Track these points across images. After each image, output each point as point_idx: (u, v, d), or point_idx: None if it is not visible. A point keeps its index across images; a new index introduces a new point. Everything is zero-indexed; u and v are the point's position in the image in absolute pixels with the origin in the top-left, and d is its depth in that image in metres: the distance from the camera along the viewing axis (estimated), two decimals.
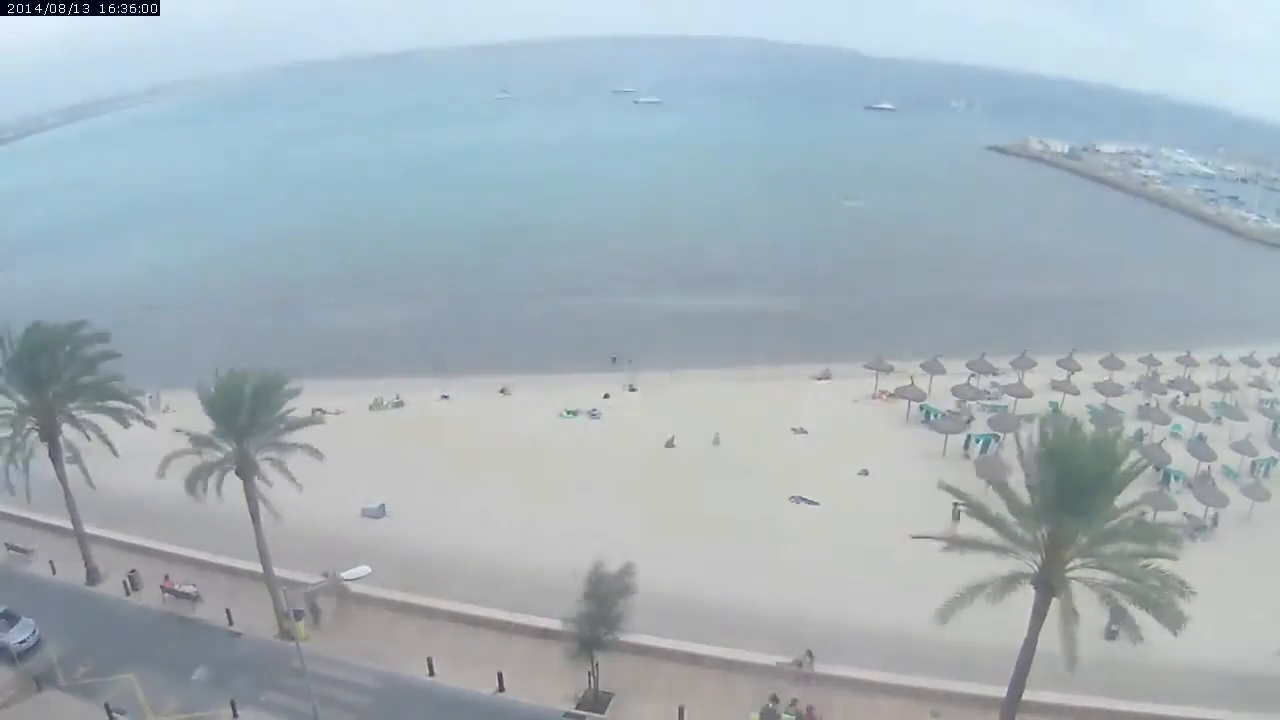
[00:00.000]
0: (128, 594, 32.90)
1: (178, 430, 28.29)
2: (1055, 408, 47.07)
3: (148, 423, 32.90)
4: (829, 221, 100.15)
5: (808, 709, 25.61)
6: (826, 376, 56.80)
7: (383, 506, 39.40)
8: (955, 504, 41.29)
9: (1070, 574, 21.07)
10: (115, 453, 31.35)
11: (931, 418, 49.39)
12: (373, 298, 72.96)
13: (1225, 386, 53.18)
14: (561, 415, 50.45)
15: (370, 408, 51.76)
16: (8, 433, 30.69)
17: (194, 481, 26.59)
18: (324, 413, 46.04)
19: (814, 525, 37.52)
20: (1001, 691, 23.51)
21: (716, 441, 46.12)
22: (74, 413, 32.01)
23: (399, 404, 52.50)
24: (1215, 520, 38.71)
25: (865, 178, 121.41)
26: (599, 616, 24.42)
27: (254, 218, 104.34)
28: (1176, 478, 42.78)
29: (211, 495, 26.85)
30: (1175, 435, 47.94)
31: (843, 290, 75.37)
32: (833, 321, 67.79)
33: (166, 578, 32.70)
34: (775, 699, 26.03)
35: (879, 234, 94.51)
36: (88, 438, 31.89)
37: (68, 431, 32.21)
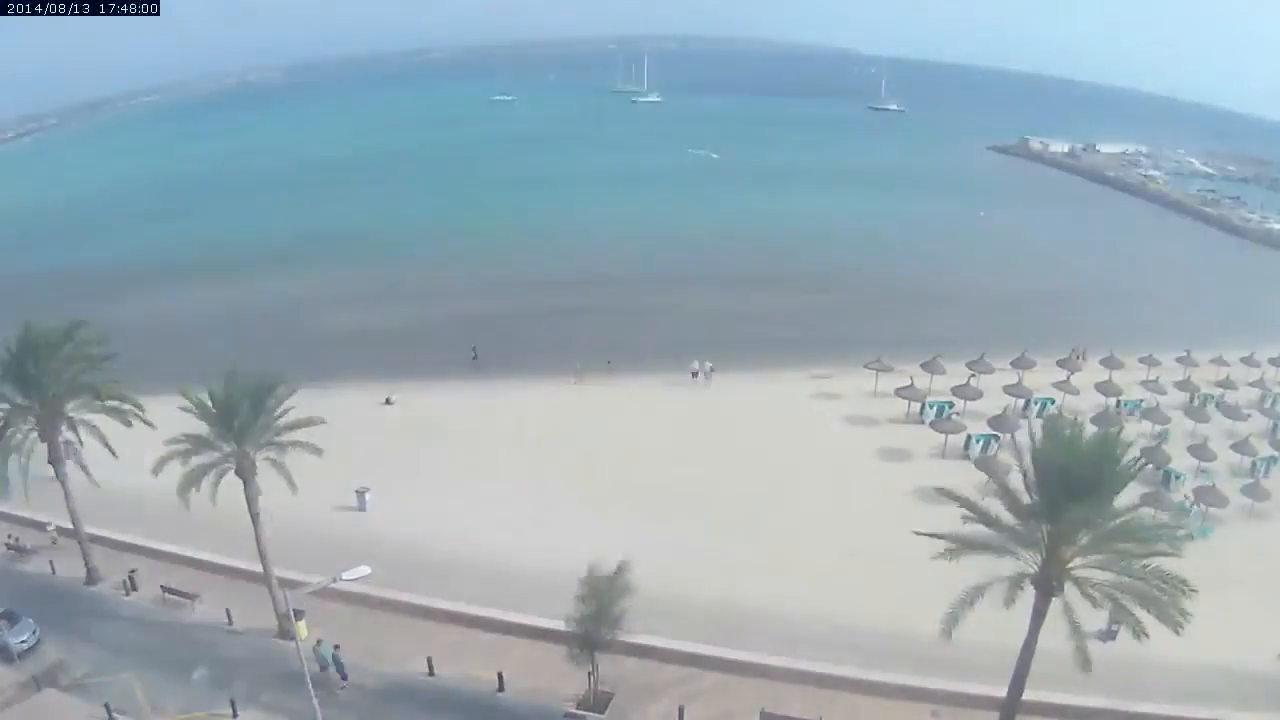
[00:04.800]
0: (127, 594, 32.91)
1: (173, 440, 28.17)
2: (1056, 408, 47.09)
3: (147, 422, 32.86)
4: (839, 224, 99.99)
5: None
6: (827, 375, 56.77)
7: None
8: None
9: (1071, 573, 21.07)
10: (114, 454, 31.30)
11: (930, 415, 49.33)
12: (369, 298, 72.91)
13: (1225, 386, 53.16)
14: (563, 415, 50.39)
15: (368, 407, 51.58)
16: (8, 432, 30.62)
17: (186, 486, 26.46)
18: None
19: (815, 525, 37.48)
20: (1001, 691, 23.49)
21: (712, 441, 46.07)
22: (73, 413, 31.90)
23: (396, 404, 52.41)
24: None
25: (865, 180, 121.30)
26: (599, 616, 24.39)
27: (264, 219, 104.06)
28: (1177, 478, 42.74)
29: (209, 495, 26.80)
30: (1175, 436, 47.87)
31: (843, 291, 75.21)
32: (835, 322, 67.67)
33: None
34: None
35: (880, 235, 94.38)
36: (81, 443, 31.80)
37: (67, 431, 32.08)
